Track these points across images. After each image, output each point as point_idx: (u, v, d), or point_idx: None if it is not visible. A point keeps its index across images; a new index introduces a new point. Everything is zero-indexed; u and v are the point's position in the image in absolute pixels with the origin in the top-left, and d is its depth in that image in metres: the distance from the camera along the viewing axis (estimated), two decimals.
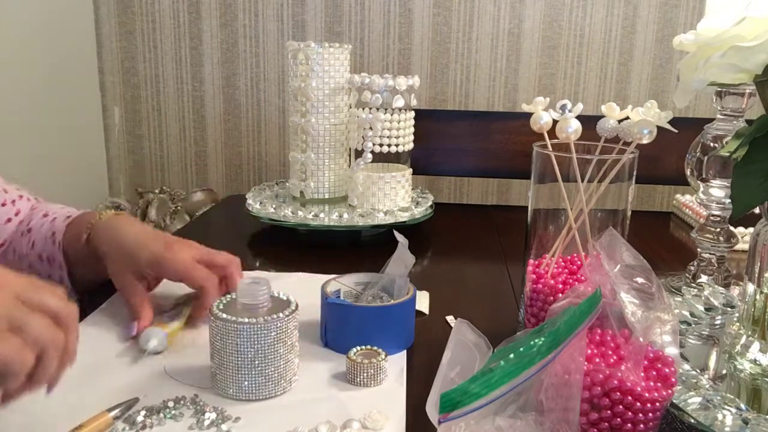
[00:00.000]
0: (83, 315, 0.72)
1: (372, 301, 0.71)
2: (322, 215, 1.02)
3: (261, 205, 1.06)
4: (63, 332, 0.46)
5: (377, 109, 1.02)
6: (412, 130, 1.08)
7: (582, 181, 0.62)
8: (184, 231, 1.18)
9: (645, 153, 0.64)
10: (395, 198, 1.06)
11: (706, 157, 0.79)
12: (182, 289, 0.72)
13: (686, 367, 0.59)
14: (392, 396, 0.59)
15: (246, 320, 0.56)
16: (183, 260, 0.68)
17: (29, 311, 0.45)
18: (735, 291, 0.77)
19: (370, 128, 1.02)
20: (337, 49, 1.04)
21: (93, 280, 0.76)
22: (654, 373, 0.48)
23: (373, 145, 1.03)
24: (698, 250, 0.83)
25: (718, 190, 0.79)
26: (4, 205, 0.77)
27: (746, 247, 0.64)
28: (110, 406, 0.53)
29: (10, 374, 0.43)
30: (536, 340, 0.39)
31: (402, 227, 0.94)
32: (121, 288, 0.70)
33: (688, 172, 0.82)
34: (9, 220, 0.77)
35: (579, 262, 0.66)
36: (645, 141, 0.61)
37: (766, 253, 0.59)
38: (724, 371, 0.63)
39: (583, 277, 0.64)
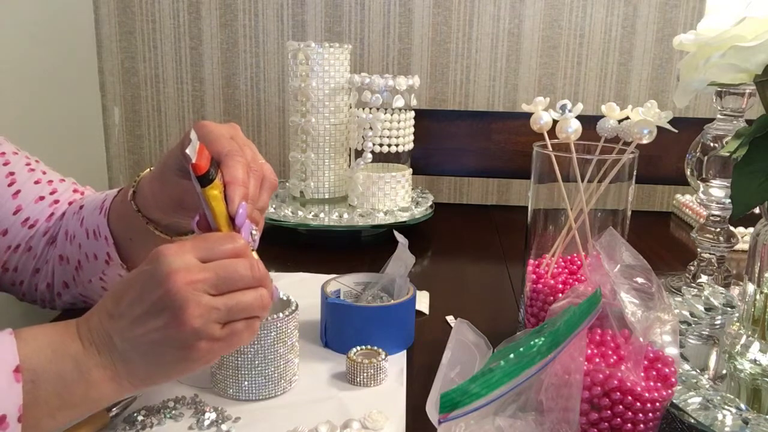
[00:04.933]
0: None
1: (372, 301, 0.71)
2: (322, 215, 1.02)
3: None
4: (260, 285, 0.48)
5: (377, 109, 1.02)
6: (412, 130, 1.08)
7: (582, 181, 0.62)
8: None
9: (645, 153, 0.64)
10: (395, 198, 1.06)
11: (706, 157, 0.79)
12: None
13: (686, 367, 0.59)
14: (392, 396, 0.59)
15: None
16: (209, 124, 0.56)
17: (228, 305, 0.46)
18: (735, 291, 0.77)
19: (370, 128, 1.02)
20: (337, 49, 1.04)
21: (141, 254, 0.65)
22: (654, 373, 0.48)
23: (373, 145, 1.03)
24: (698, 250, 0.83)
25: (718, 190, 0.79)
26: (37, 183, 0.72)
27: (746, 247, 0.64)
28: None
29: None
30: (536, 340, 0.39)
31: (402, 227, 0.94)
32: (172, 195, 0.60)
33: (688, 172, 0.82)
34: (41, 198, 0.72)
35: (579, 262, 0.66)
36: (645, 141, 0.61)
37: (766, 253, 0.59)
38: (724, 371, 0.62)
39: (583, 277, 0.64)
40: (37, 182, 0.72)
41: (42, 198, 0.72)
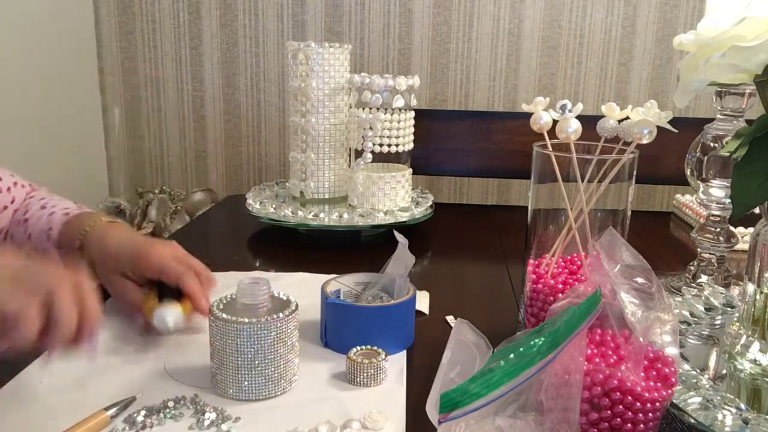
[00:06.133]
0: None
1: (372, 301, 0.71)
2: (322, 215, 1.02)
3: (261, 205, 1.06)
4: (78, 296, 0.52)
5: (377, 109, 1.02)
6: (412, 130, 1.08)
7: (582, 181, 0.62)
8: (184, 231, 1.18)
9: (645, 153, 0.64)
10: (395, 198, 1.06)
11: (706, 157, 0.79)
12: None
13: (686, 367, 0.59)
14: (392, 396, 0.59)
15: (246, 320, 0.56)
16: (160, 254, 0.69)
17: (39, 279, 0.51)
18: (735, 291, 0.77)
19: (370, 128, 1.02)
20: (337, 49, 1.04)
21: None
22: (654, 373, 0.48)
23: (373, 145, 1.03)
24: (698, 250, 0.83)
25: (718, 190, 0.79)
26: None
27: (746, 247, 0.64)
28: (108, 405, 0.54)
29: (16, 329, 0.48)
30: (536, 340, 0.39)
31: (402, 227, 0.94)
32: (114, 289, 0.71)
33: (688, 172, 0.82)
34: (5, 207, 0.78)
35: (579, 262, 0.66)
36: (645, 141, 0.61)
37: (766, 253, 0.59)
38: (724, 371, 0.62)
39: (583, 277, 0.64)
40: None
41: (5, 208, 0.79)
